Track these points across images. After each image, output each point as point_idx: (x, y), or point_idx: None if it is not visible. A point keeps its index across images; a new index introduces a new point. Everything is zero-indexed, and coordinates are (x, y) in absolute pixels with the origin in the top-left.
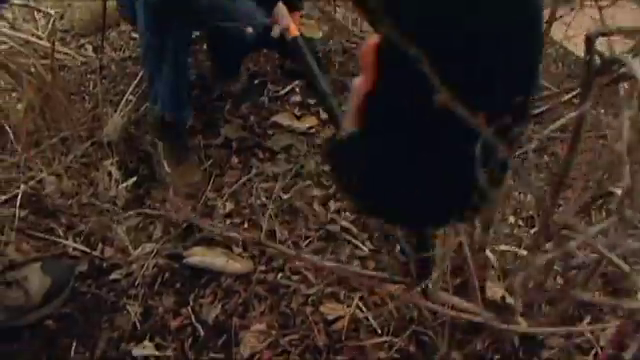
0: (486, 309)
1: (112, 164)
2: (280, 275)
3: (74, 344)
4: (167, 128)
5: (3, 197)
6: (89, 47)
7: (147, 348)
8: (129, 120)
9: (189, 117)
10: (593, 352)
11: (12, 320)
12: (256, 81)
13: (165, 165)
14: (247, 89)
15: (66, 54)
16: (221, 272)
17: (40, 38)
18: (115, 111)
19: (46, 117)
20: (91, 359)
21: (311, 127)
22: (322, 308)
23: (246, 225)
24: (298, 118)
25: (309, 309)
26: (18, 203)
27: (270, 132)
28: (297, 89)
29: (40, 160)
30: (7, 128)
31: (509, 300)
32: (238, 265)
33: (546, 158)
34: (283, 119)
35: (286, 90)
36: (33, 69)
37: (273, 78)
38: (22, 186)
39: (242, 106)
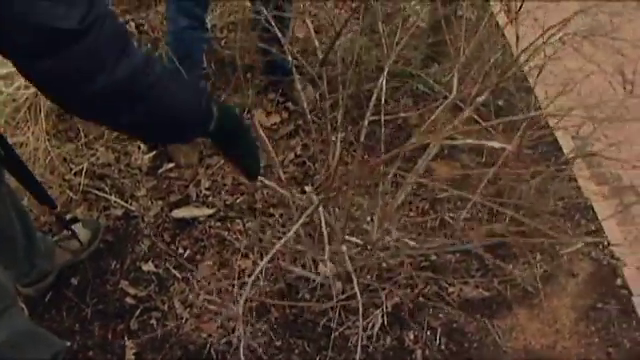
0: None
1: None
2: (226, 233)
3: (113, 261)
4: None
5: (74, 169)
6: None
7: (150, 266)
8: None
9: None
10: None
11: (75, 258)
12: None
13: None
14: None
15: None
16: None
17: None
18: None
19: None
20: (122, 271)
21: None
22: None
23: None
24: None
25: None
26: (83, 175)
27: None
28: None
29: (95, 139)
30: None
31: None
32: (207, 210)
33: None
34: None
35: None
36: None
37: None
38: (85, 164)
39: None
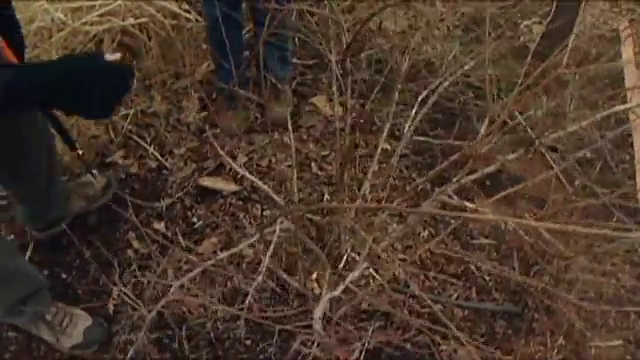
0: None
1: (197, 98)
2: (242, 214)
3: (129, 211)
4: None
5: (123, 111)
6: None
7: (161, 226)
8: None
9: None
10: None
11: (88, 205)
12: None
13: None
14: None
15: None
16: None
17: None
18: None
19: (166, 60)
20: (134, 223)
21: None
22: None
23: None
24: None
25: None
26: (128, 119)
27: None
28: None
29: (154, 88)
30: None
31: None
32: (232, 186)
33: None
34: None
35: None
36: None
37: None
38: (135, 107)
39: None
